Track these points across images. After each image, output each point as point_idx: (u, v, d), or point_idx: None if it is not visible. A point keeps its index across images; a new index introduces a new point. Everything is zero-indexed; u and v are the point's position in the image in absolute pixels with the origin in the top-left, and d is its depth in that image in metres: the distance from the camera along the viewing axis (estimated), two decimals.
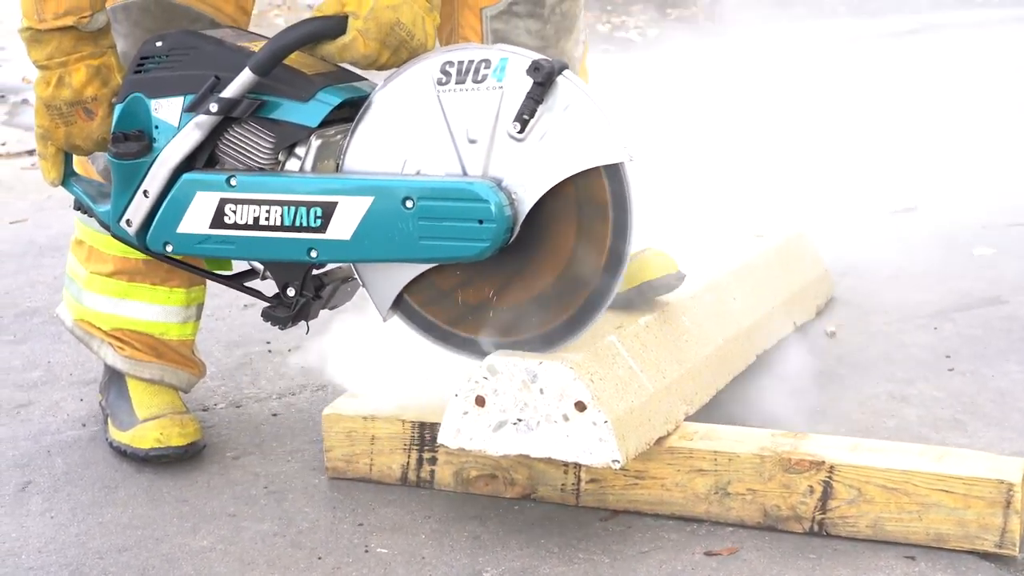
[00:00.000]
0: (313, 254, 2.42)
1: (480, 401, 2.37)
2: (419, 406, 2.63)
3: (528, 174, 2.32)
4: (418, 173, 2.37)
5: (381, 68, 2.42)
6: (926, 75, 5.38)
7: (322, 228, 2.39)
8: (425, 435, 2.57)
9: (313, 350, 3.06)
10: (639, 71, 6.06)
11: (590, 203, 2.32)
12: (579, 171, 2.30)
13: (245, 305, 3.56)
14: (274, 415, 2.96)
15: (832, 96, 5.14)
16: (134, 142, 2.48)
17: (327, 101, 2.41)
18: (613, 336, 2.50)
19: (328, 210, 2.38)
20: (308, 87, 2.42)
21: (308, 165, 2.42)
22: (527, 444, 2.35)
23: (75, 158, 2.65)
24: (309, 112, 2.41)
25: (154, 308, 2.78)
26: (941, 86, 5.26)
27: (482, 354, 2.42)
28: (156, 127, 2.48)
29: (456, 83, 2.34)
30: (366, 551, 2.41)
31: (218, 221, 2.45)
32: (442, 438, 2.41)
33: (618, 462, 2.31)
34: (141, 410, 2.76)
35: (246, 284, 2.60)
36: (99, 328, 2.80)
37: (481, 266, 2.38)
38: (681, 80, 5.45)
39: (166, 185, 2.48)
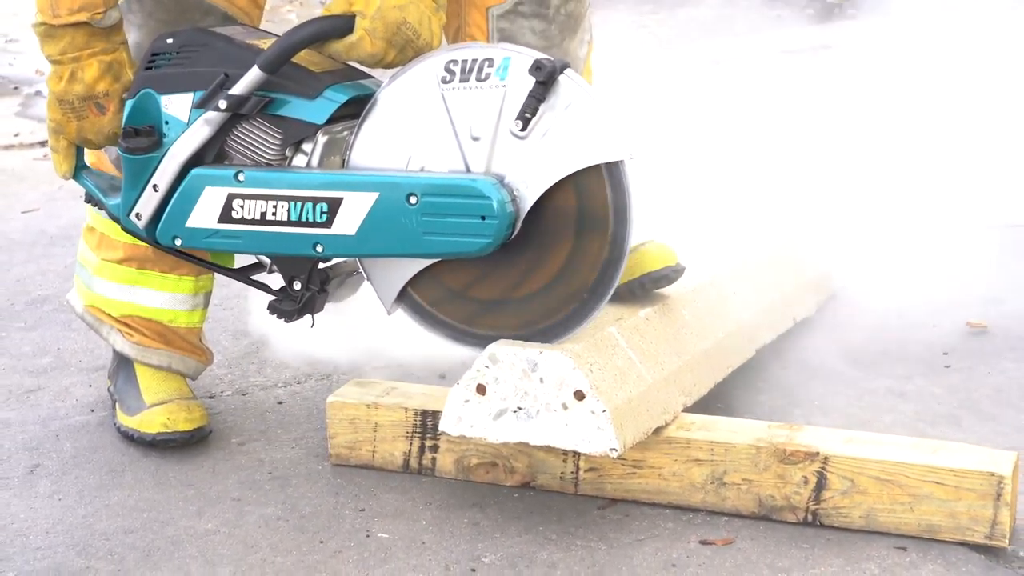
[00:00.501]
0: (319, 249, 2.46)
1: (481, 389, 2.41)
2: (422, 394, 2.68)
3: (530, 171, 2.36)
4: (422, 170, 2.41)
5: (387, 66, 2.46)
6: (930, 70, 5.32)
7: (328, 223, 2.43)
8: (427, 423, 2.61)
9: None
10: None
11: (591, 199, 2.36)
12: (580, 168, 2.34)
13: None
14: (279, 403, 3.01)
15: (842, 90, 5.12)
16: (144, 137, 2.53)
17: (334, 99, 2.45)
18: (613, 327, 2.54)
19: (334, 205, 2.42)
20: (315, 85, 2.46)
21: (315, 161, 2.47)
22: (527, 432, 2.39)
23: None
24: (316, 109, 2.45)
25: (163, 296, 2.82)
26: (934, 81, 5.21)
27: (482, 346, 2.46)
28: (166, 123, 2.53)
29: (460, 81, 2.38)
30: (367, 536, 2.45)
31: (226, 216, 2.49)
32: (443, 425, 2.45)
33: (616, 451, 2.35)
34: (148, 395, 2.81)
35: (252, 277, 2.65)
36: (109, 314, 2.84)
37: (483, 262, 2.42)
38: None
39: (175, 180, 2.52)
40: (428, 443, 2.62)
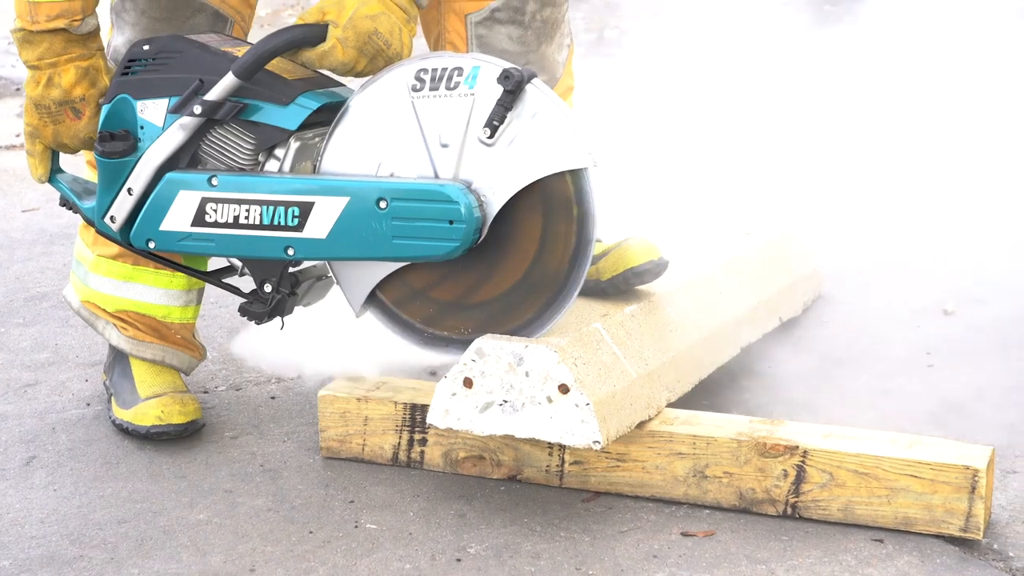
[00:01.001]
0: (290, 252, 2.51)
1: (468, 383, 2.46)
2: (411, 388, 2.73)
3: (497, 177, 2.42)
4: (392, 175, 2.47)
5: (358, 75, 2.52)
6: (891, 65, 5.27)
7: (299, 227, 2.49)
8: (416, 416, 2.66)
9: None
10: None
11: (556, 204, 2.42)
12: (545, 175, 2.40)
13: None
14: (272, 398, 3.05)
15: (824, 90, 5.11)
16: (120, 141, 2.58)
17: (306, 105, 2.51)
18: (598, 323, 2.59)
19: (305, 210, 2.48)
20: (288, 91, 2.51)
21: (287, 166, 2.52)
22: (512, 425, 2.44)
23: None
24: (289, 115, 2.51)
25: (157, 291, 2.87)
26: (925, 77, 5.19)
27: (458, 351, 2.51)
28: (141, 127, 2.58)
29: (430, 90, 2.44)
30: (356, 527, 2.49)
31: (199, 219, 2.54)
32: (431, 418, 2.50)
33: (599, 443, 2.40)
34: (143, 389, 2.86)
35: (224, 280, 2.70)
36: (104, 309, 2.89)
37: (451, 265, 2.48)
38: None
39: (150, 184, 2.57)
40: (417, 436, 2.67)
